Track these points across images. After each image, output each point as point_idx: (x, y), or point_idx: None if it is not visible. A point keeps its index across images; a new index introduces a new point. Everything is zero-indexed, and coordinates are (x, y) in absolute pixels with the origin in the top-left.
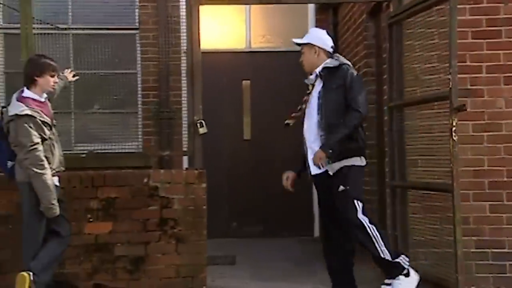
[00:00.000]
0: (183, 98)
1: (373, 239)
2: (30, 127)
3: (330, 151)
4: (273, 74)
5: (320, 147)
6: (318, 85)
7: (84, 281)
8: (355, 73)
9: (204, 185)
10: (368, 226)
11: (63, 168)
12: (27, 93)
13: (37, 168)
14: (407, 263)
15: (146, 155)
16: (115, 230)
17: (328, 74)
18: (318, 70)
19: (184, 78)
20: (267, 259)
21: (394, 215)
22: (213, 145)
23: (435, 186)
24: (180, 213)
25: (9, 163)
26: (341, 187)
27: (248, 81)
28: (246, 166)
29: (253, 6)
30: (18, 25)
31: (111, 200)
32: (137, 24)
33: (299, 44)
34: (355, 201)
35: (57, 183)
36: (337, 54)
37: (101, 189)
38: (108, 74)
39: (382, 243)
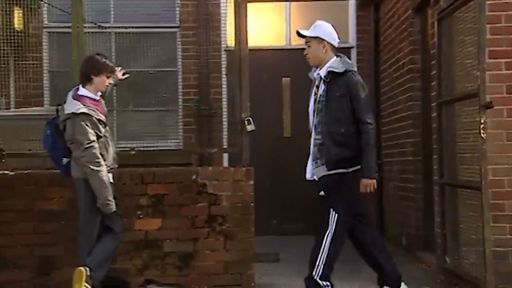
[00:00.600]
0: (223, 96)
1: (320, 253)
2: (87, 125)
3: (376, 174)
4: None
5: (364, 176)
6: (321, 88)
7: (134, 277)
8: (359, 80)
9: (251, 182)
10: (326, 240)
11: (116, 165)
12: (82, 91)
13: (93, 166)
14: None
15: (186, 152)
16: (164, 226)
17: (332, 79)
18: (322, 74)
19: (224, 76)
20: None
21: (443, 214)
22: (254, 142)
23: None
24: (228, 210)
25: (64, 160)
26: (321, 192)
27: (288, 78)
28: (286, 164)
29: (293, 3)
30: (62, 24)
31: (160, 196)
32: (177, 23)
33: (304, 36)
34: (332, 210)
35: (112, 180)
36: (342, 55)
37: (150, 186)
38: (149, 72)
39: (324, 261)
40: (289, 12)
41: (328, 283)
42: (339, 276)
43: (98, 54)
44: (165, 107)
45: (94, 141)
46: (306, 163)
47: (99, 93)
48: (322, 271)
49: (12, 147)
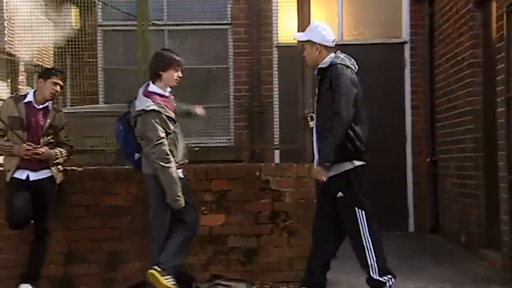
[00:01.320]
0: (274, 92)
1: (366, 251)
2: (156, 122)
3: (328, 164)
4: (366, 66)
5: (318, 163)
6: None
7: (199, 272)
8: (342, 72)
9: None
10: (365, 238)
11: (186, 161)
12: (152, 87)
13: (163, 162)
14: (392, 285)
15: (238, 149)
16: (228, 222)
17: (322, 76)
18: (315, 72)
19: (276, 72)
20: None
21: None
22: None
23: None
24: (291, 206)
25: (136, 155)
26: (340, 194)
27: None
28: None
29: None
30: (116, 22)
31: (223, 192)
32: (229, 20)
33: (300, 41)
34: (356, 208)
35: (181, 175)
36: (339, 51)
37: (214, 182)
38: (201, 69)
39: (374, 258)
40: (341, 7)
41: (389, 275)
42: (402, 275)
43: (164, 50)
44: (216, 104)
45: (163, 137)
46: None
47: (169, 89)
48: (378, 267)
49: (75, 143)
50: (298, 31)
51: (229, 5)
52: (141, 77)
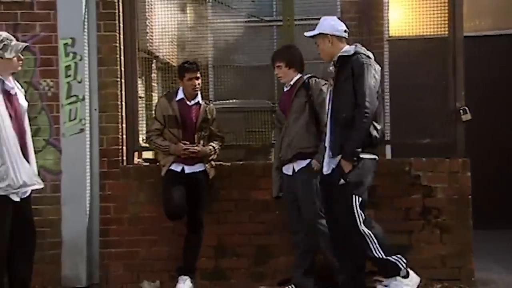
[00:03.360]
0: (385, 86)
1: (365, 237)
2: None
3: (355, 159)
4: (484, 60)
5: (342, 157)
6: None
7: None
8: (366, 62)
9: (468, 173)
10: (361, 225)
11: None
12: None
13: None
14: (404, 264)
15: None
16: (377, 218)
17: (342, 64)
18: (334, 58)
19: (387, 66)
20: (503, 251)
21: None
22: None
23: None
24: (443, 202)
25: None
26: (341, 181)
27: None
28: None
29: None
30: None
31: (372, 188)
32: (339, 14)
33: (312, 37)
34: (353, 195)
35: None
36: (357, 44)
37: None
38: (310, 64)
39: (375, 241)
40: None
41: (398, 255)
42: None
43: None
44: None
45: None
46: None
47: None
48: (383, 250)
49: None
50: (449, 22)
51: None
52: None
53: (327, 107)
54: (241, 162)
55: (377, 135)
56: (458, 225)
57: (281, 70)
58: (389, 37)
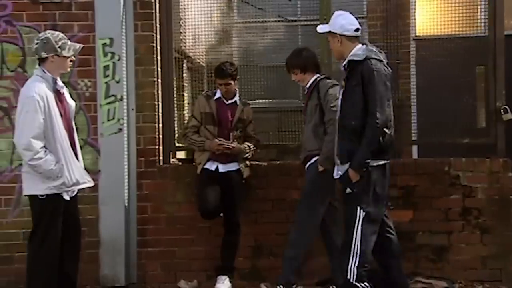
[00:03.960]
0: (411, 86)
1: (351, 256)
2: None
3: (364, 170)
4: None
5: (350, 167)
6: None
7: None
8: (376, 68)
9: (509, 174)
10: (355, 241)
11: None
12: None
13: None
14: None
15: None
16: (416, 218)
17: (352, 69)
18: (344, 63)
19: (413, 66)
20: None
21: None
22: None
23: None
24: (484, 202)
25: None
26: (348, 190)
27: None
28: None
29: None
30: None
31: (410, 188)
32: (365, 13)
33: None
34: (358, 208)
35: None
36: (367, 43)
37: (400, 177)
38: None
39: (357, 264)
40: None
41: (366, 284)
42: None
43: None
44: None
45: None
46: None
47: None
48: (356, 273)
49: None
50: (489, 20)
51: None
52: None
53: (338, 110)
54: (277, 162)
55: (386, 141)
56: (499, 226)
57: (297, 76)
58: (416, 36)
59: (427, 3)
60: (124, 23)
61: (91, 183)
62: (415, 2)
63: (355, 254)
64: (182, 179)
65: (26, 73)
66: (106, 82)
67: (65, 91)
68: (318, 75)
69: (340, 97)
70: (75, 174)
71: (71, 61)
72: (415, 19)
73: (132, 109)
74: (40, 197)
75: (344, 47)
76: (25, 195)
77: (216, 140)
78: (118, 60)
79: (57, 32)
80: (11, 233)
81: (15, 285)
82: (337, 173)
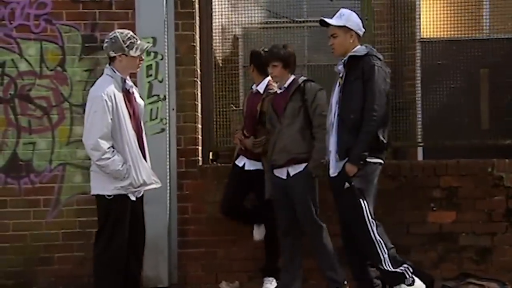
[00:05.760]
0: (417, 88)
1: (376, 246)
2: None
3: (362, 162)
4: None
5: (348, 161)
6: (343, 76)
7: (428, 269)
8: (376, 64)
9: None
10: (372, 229)
11: None
12: None
13: None
14: (410, 273)
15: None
16: (459, 219)
17: (352, 64)
18: (344, 59)
19: (419, 68)
20: None
21: None
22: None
23: None
24: None
25: None
26: (347, 184)
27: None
28: None
29: None
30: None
31: (453, 189)
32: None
33: (328, 25)
34: (361, 200)
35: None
36: (367, 45)
37: (443, 178)
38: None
39: (386, 251)
40: None
41: (404, 265)
42: None
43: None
44: None
45: None
46: None
47: None
48: (390, 259)
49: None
50: None
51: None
52: None
53: (333, 108)
54: None
55: (384, 140)
56: None
57: (277, 70)
58: (421, 38)
59: (432, 5)
60: (166, 22)
61: (158, 184)
62: (420, 4)
63: (378, 242)
64: (222, 180)
65: (65, 72)
66: (149, 82)
67: (135, 91)
68: (294, 76)
69: (338, 92)
70: (142, 175)
71: (140, 60)
72: (420, 21)
73: (173, 109)
74: (108, 197)
75: (353, 45)
76: (92, 194)
77: (252, 137)
78: (161, 59)
79: (126, 31)
80: (50, 234)
81: (55, 286)
82: (334, 170)
